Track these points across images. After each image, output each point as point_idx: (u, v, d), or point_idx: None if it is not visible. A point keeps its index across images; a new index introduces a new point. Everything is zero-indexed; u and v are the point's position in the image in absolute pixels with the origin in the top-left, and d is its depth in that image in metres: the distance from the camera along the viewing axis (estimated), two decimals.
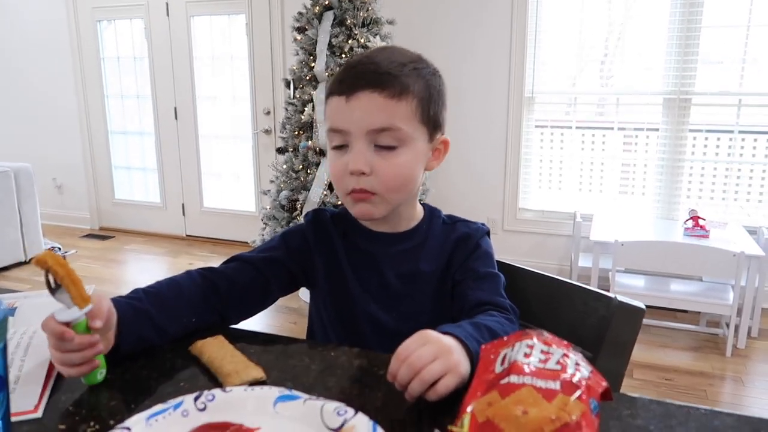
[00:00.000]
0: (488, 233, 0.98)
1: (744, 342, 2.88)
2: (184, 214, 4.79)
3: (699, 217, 3.01)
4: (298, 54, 3.31)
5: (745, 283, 2.77)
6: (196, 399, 0.61)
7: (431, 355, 0.63)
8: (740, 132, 3.36)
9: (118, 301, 0.76)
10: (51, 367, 0.71)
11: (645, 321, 2.99)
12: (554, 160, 3.77)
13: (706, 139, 3.45)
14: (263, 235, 3.40)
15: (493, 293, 0.89)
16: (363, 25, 3.20)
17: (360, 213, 0.89)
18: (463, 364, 0.65)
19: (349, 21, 3.15)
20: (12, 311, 0.86)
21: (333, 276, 0.95)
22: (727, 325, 2.83)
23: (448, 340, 0.67)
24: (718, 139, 3.44)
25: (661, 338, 2.99)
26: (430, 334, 0.67)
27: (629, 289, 2.92)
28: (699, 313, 3.12)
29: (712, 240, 2.90)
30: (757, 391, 2.54)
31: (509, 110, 3.71)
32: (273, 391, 0.63)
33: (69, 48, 4.76)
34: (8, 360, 0.58)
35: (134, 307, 0.77)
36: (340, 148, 0.87)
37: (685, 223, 3.05)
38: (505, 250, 3.81)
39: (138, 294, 0.81)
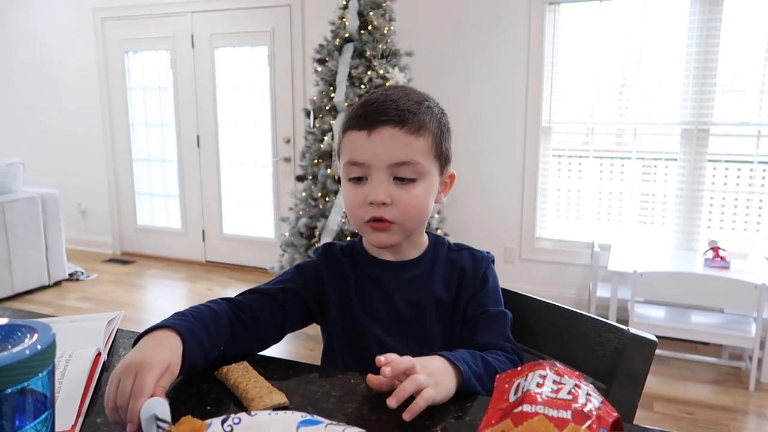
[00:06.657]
0: (493, 261, 1.02)
1: None
2: (204, 240, 4.86)
3: (719, 248, 2.98)
4: (318, 84, 3.39)
5: None
6: (223, 422, 0.64)
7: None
8: (760, 162, 3.35)
9: (183, 330, 0.76)
10: (86, 388, 0.74)
11: (665, 353, 2.90)
12: (572, 189, 3.78)
13: (726, 169, 3.44)
14: (281, 261, 3.45)
15: (500, 337, 0.92)
16: (382, 57, 3.28)
17: (377, 240, 0.93)
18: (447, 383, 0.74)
19: (368, 53, 3.23)
20: None
21: (344, 305, 0.98)
22: (750, 359, 2.78)
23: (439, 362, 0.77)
24: (739, 169, 3.43)
25: (682, 371, 2.95)
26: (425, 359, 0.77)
27: (649, 320, 2.89)
28: (721, 345, 3.07)
29: (732, 271, 2.87)
30: None
31: (526, 139, 3.74)
32: (295, 416, 0.66)
33: (96, 78, 4.93)
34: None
35: (196, 337, 0.78)
36: (358, 180, 0.92)
37: (705, 253, 3.02)
38: (522, 279, 3.81)
39: (188, 319, 0.80)
